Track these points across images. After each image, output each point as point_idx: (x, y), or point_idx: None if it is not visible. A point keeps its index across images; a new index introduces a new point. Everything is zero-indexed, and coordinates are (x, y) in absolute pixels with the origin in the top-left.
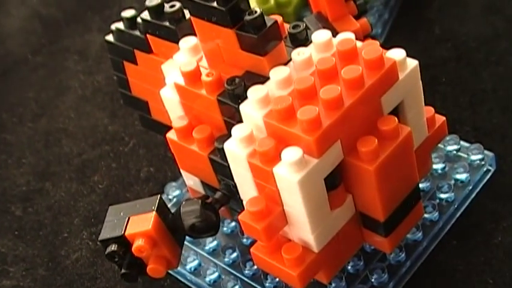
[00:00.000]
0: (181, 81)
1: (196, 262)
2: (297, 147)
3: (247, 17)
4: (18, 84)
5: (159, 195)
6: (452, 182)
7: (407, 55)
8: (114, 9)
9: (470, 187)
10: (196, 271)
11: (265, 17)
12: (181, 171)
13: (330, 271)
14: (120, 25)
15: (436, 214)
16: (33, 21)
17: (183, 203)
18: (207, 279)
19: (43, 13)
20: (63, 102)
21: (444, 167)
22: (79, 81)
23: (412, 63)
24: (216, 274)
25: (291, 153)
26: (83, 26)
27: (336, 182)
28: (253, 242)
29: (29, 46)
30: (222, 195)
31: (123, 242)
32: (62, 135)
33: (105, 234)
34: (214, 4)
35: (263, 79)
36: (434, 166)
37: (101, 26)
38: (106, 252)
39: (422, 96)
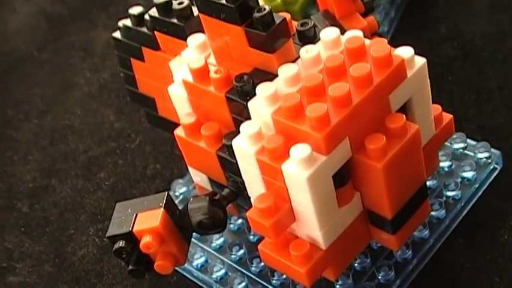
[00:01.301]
0: (189, 78)
1: (203, 259)
2: (305, 144)
3: (256, 14)
4: (24, 81)
5: (166, 192)
6: (459, 180)
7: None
8: (120, 7)
9: (477, 185)
10: (203, 268)
11: (274, 14)
12: (189, 168)
13: (337, 268)
14: (127, 22)
15: (442, 212)
16: (38, 18)
17: (191, 199)
18: (214, 276)
19: (48, 10)
20: (68, 99)
21: (451, 165)
22: (85, 78)
23: (420, 61)
24: (223, 271)
25: (300, 150)
26: (88, 22)
27: (344, 179)
28: (259, 239)
29: (34, 43)
30: (230, 192)
31: (131, 239)
32: (67, 132)
33: (112, 230)
34: (223, 1)
35: (271, 76)
36: (441, 164)
37: (107, 23)
38: (114, 249)
39: (430, 94)
